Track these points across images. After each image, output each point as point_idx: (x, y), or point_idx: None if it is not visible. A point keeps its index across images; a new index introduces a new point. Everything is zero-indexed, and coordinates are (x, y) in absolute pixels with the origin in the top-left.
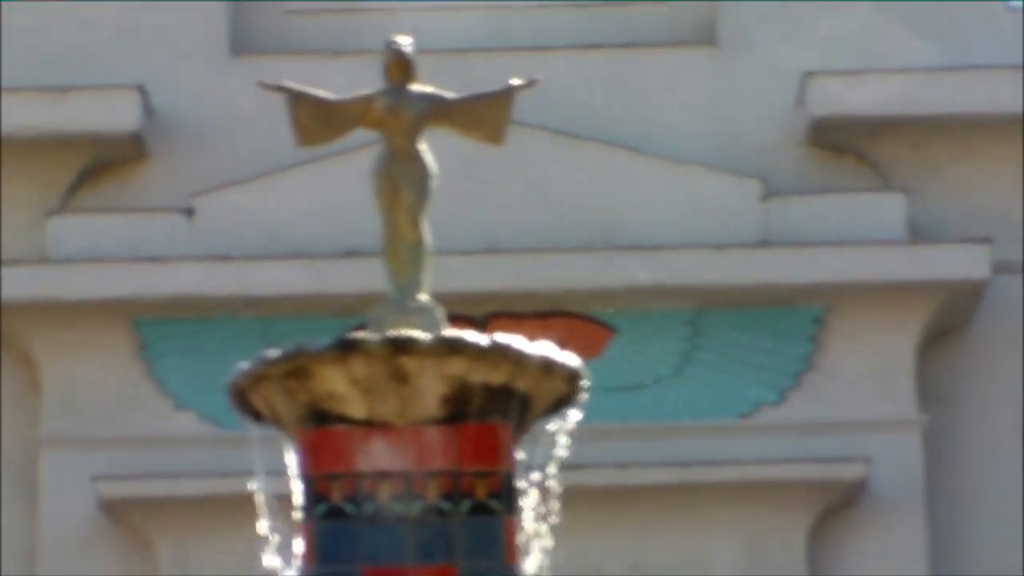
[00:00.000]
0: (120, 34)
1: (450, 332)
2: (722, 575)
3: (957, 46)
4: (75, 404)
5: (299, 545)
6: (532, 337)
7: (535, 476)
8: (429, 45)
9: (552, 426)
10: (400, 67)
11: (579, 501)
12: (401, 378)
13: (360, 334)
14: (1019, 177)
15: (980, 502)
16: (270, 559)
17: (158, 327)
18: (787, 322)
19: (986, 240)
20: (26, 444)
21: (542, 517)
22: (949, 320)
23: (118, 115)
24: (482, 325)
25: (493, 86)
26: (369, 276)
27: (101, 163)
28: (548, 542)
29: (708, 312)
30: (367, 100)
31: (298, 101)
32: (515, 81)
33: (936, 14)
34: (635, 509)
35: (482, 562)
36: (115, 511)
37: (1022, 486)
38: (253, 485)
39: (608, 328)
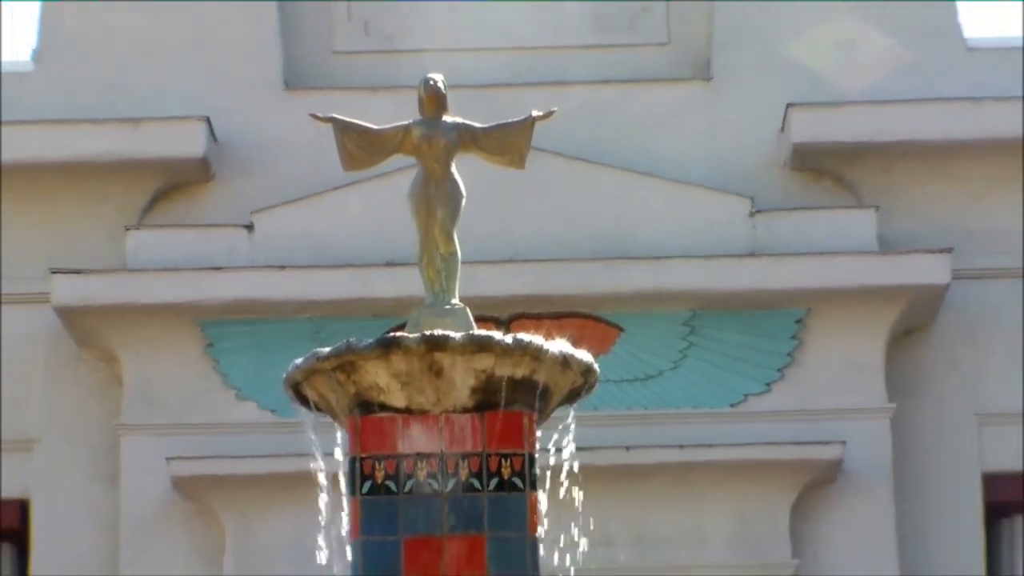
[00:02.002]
0: (188, 72)
1: (479, 332)
2: (715, 545)
3: (922, 81)
4: (151, 395)
5: (347, 518)
6: (550, 335)
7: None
8: (459, 81)
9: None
10: (434, 100)
11: (591, 479)
12: (436, 372)
13: (400, 334)
14: (975, 195)
15: (941, 481)
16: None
17: (222, 328)
18: (772, 323)
19: (947, 250)
20: (108, 431)
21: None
22: (914, 321)
23: (186, 143)
24: (506, 325)
25: (515, 117)
26: (408, 283)
27: (172, 185)
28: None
29: (703, 314)
30: (405, 129)
31: (344, 130)
32: (535, 112)
33: (903, 54)
34: (639, 486)
35: (508, 532)
36: (186, 488)
37: (978, 467)
38: (309, 465)
39: (616, 327)
